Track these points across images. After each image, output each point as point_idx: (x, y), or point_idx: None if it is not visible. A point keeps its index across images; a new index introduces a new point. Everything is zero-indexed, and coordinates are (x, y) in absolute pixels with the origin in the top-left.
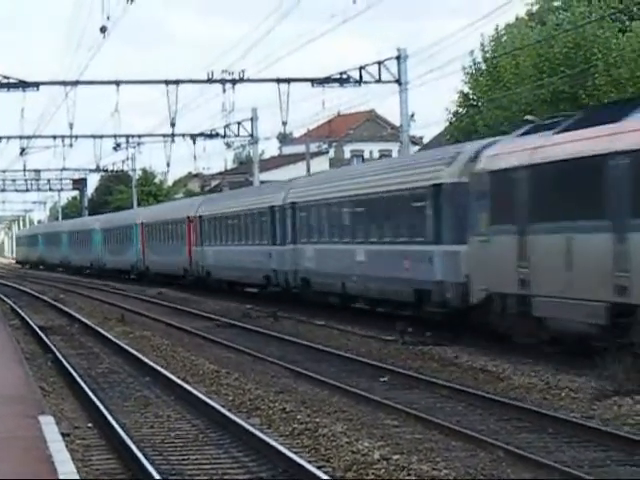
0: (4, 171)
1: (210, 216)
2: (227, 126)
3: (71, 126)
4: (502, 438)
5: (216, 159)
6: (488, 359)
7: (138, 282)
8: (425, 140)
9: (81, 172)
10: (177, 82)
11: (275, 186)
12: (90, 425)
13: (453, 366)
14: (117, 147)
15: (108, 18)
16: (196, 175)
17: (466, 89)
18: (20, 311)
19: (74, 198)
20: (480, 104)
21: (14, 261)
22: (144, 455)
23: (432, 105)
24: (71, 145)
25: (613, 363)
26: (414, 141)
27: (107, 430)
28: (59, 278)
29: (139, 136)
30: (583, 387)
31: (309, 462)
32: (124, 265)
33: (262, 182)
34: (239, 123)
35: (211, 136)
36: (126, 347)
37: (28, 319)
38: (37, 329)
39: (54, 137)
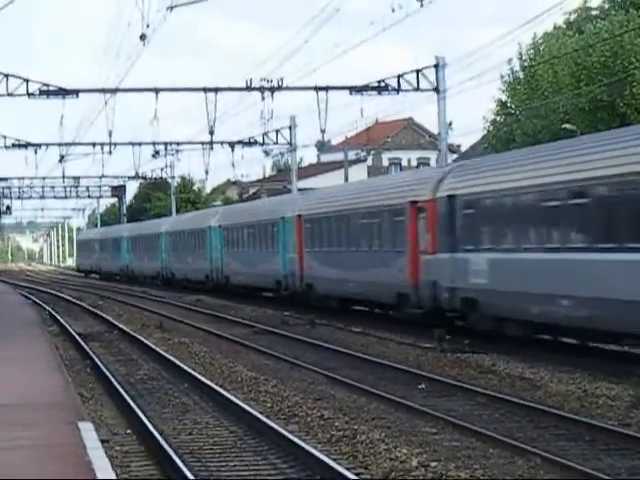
0: (44, 178)
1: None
2: (265, 134)
3: (110, 133)
4: (539, 445)
5: (254, 167)
6: (525, 366)
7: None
8: (463, 148)
9: (120, 179)
10: (216, 90)
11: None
12: (129, 432)
13: (491, 373)
14: (156, 154)
15: (148, 26)
16: (234, 183)
17: (504, 97)
18: (59, 317)
19: (113, 205)
20: (518, 113)
21: (55, 268)
22: (182, 462)
23: (470, 113)
24: (110, 152)
25: None
26: (452, 149)
27: (146, 437)
28: (96, 284)
29: (178, 143)
30: (620, 395)
31: (347, 469)
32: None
33: (300, 189)
34: (277, 131)
35: (249, 144)
36: (164, 354)
37: (67, 325)
38: (76, 335)
39: (93, 144)
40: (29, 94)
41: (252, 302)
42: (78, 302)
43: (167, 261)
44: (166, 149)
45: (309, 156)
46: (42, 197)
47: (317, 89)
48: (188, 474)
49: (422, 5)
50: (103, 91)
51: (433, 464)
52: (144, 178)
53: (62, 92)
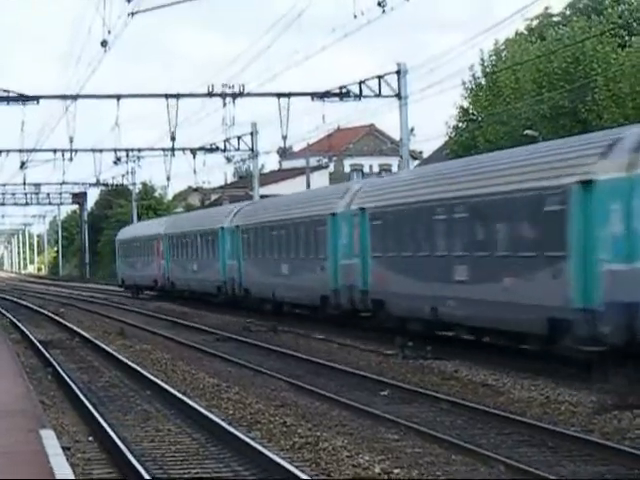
0: (4, 185)
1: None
2: (227, 140)
3: (71, 140)
4: (502, 452)
5: (216, 173)
6: (488, 373)
7: None
8: (425, 155)
9: (81, 186)
10: (177, 96)
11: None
12: (91, 439)
13: (453, 380)
14: (117, 161)
15: (109, 32)
16: (196, 189)
17: (466, 104)
18: (20, 325)
19: (74, 212)
20: (480, 119)
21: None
22: (144, 469)
23: (432, 120)
24: (71, 159)
25: (613, 377)
26: (414, 155)
27: (108, 444)
28: (58, 292)
29: (139, 150)
30: (583, 401)
31: (310, 476)
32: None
33: (262, 196)
34: (239, 137)
35: (211, 150)
36: (126, 361)
37: (28, 333)
38: (37, 343)
39: (54, 151)
40: None
41: (213, 309)
42: (40, 309)
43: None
44: (127, 156)
45: (271, 163)
46: (2, 204)
47: (279, 95)
48: None
49: (384, 11)
50: (64, 97)
51: (396, 471)
52: (105, 185)
53: (23, 98)
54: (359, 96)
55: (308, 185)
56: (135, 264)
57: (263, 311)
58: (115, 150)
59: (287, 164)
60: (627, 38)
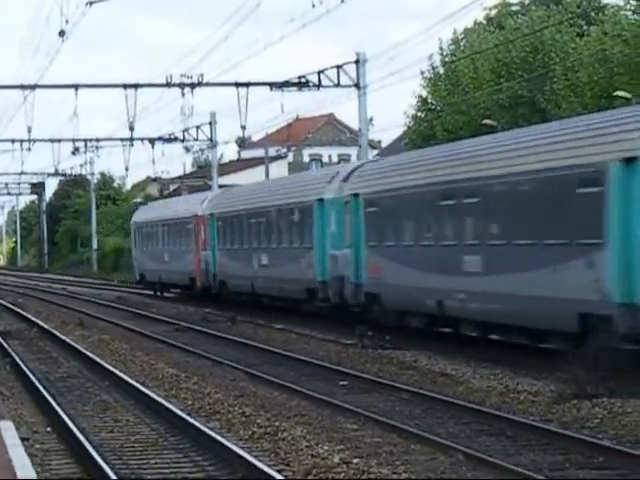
0: None
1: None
2: (186, 130)
3: (29, 130)
4: (461, 441)
5: (175, 163)
6: (447, 362)
7: None
8: (384, 144)
9: (39, 176)
10: (136, 86)
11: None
12: (49, 430)
13: (412, 370)
14: (76, 151)
15: (67, 22)
16: (155, 179)
17: (425, 93)
18: None
19: (32, 202)
20: (439, 108)
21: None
22: (103, 459)
23: (391, 109)
24: (29, 149)
25: (573, 366)
26: (372, 145)
27: (66, 434)
28: (16, 282)
29: (97, 140)
30: (542, 390)
31: (269, 466)
32: None
33: (221, 186)
34: (198, 127)
35: (170, 140)
36: (85, 351)
37: None
38: None
39: (12, 141)
40: None
41: (173, 299)
42: None
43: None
44: (86, 146)
45: (230, 152)
46: None
47: (237, 85)
48: (109, 472)
49: (343, 1)
50: (22, 87)
51: (355, 461)
52: (64, 175)
53: None
54: (318, 86)
55: (267, 175)
56: (160, 255)
57: (244, 305)
58: (73, 140)
59: (246, 154)
60: (585, 27)
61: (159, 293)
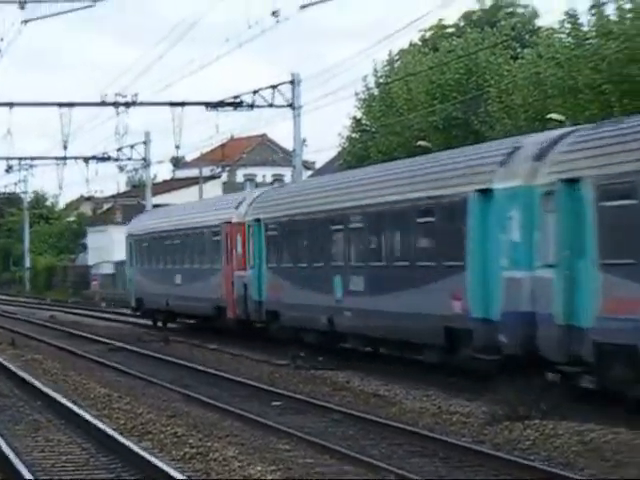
0: None
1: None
2: (120, 149)
3: None
4: (394, 462)
5: (109, 182)
6: (380, 383)
7: None
8: (318, 165)
9: None
10: (70, 105)
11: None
12: None
13: (345, 390)
14: (9, 169)
15: (2, 40)
16: (88, 198)
17: (359, 114)
18: None
19: None
20: (373, 130)
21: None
22: (34, 479)
23: (326, 130)
24: None
25: (505, 388)
26: (307, 166)
27: None
28: None
29: (31, 158)
30: (475, 412)
31: None
32: None
33: (154, 206)
34: (132, 146)
35: (103, 159)
36: (16, 371)
37: None
38: None
39: None
40: None
41: (107, 319)
42: None
43: None
44: (20, 164)
45: (164, 172)
46: None
47: (172, 104)
48: None
49: (278, 21)
50: None
51: None
52: None
53: None
54: (252, 106)
55: (201, 195)
56: (168, 275)
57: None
58: (7, 158)
59: (180, 173)
60: (519, 50)
61: (160, 324)
